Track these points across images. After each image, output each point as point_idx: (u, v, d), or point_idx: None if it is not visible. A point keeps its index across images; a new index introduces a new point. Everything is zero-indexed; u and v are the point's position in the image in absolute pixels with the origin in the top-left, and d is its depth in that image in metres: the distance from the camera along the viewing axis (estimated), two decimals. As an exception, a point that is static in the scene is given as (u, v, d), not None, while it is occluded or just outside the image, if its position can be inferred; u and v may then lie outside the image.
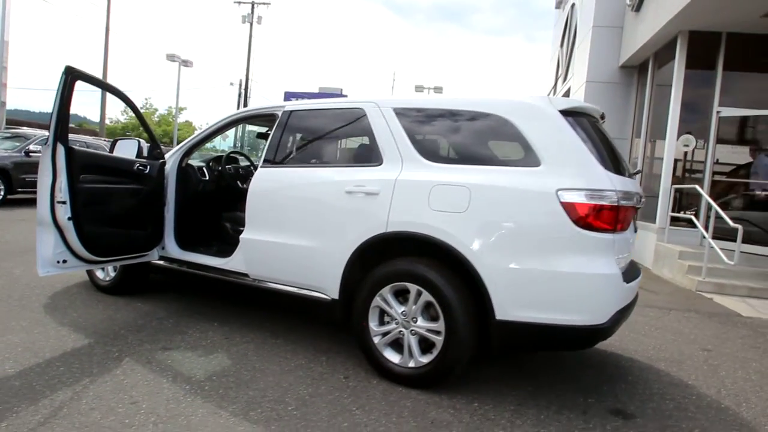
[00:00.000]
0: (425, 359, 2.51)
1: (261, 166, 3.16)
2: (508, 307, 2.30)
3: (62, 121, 2.71)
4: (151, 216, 3.44)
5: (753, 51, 6.97)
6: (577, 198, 2.22)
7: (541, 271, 2.25)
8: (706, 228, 6.32)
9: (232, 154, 4.56)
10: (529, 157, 2.38)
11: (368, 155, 2.83)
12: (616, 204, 2.24)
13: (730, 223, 5.73)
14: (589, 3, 9.68)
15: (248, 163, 4.73)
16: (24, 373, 2.43)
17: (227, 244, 3.56)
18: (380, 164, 2.72)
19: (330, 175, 2.87)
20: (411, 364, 2.54)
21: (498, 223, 2.34)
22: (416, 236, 2.50)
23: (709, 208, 6.36)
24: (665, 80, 7.96)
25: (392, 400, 2.40)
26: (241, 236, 3.15)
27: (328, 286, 2.81)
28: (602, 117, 2.88)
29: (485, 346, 2.44)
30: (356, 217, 2.68)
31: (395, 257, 2.63)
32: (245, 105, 28.23)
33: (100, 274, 3.90)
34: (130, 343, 2.91)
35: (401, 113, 2.77)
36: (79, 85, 2.84)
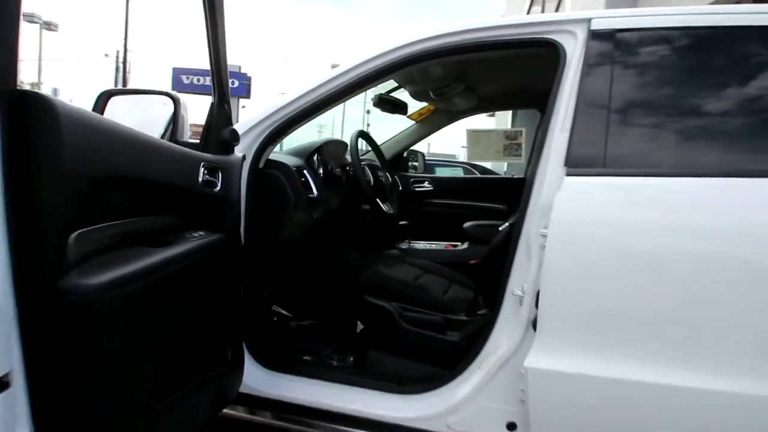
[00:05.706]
0: None
1: (569, 175, 1.17)
2: None
3: None
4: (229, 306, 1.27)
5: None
6: None
7: None
8: None
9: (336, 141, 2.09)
10: None
11: None
12: None
13: None
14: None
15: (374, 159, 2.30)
16: None
17: (425, 354, 1.55)
18: None
19: None
20: None
21: None
22: None
23: None
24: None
25: None
26: (526, 364, 1.17)
27: None
28: None
29: None
30: None
31: None
32: (124, 81, 22.99)
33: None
34: None
35: None
36: None
